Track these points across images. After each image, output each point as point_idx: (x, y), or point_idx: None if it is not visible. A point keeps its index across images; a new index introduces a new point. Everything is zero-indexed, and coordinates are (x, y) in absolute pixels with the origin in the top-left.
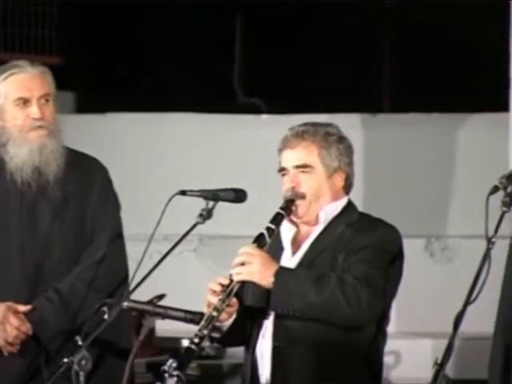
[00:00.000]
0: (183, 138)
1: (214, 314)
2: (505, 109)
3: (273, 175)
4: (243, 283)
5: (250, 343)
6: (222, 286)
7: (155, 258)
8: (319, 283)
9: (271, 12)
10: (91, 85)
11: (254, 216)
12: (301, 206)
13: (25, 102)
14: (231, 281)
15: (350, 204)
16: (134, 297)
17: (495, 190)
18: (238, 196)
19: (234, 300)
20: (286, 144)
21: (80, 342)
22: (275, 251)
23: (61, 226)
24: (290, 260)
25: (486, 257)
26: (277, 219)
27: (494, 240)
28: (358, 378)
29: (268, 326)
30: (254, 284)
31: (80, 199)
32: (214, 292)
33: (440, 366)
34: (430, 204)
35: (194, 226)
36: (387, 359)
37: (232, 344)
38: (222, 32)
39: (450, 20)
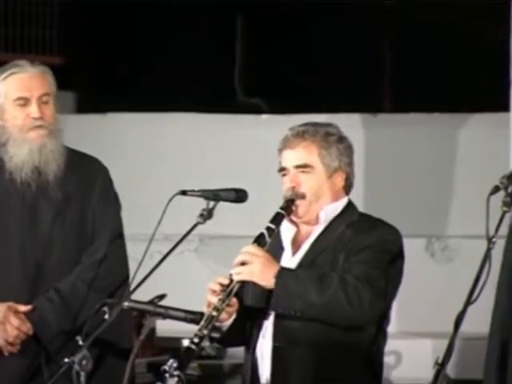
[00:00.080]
0: (184, 138)
1: (214, 313)
2: (505, 109)
3: (273, 175)
4: (243, 283)
5: (250, 343)
6: (222, 285)
7: (156, 258)
8: (321, 283)
9: (271, 12)
10: (92, 85)
11: (255, 216)
12: (301, 205)
13: (24, 101)
14: (231, 281)
15: (350, 204)
16: (134, 297)
17: (496, 190)
18: (239, 196)
19: (234, 300)
20: (286, 144)
21: (81, 342)
22: (275, 251)
23: (61, 226)
24: (290, 260)
25: (487, 257)
26: (277, 219)
27: (494, 240)
28: (359, 378)
29: (268, 326)
30: (254, 284)
31: (81, 199)
32: (214, 292)
33: (441, 366)
34: (431, 204)
35: (195, 225)
36: (388, 359)
37: (232, 344)
38: (222, 32)
39: (450, 20)
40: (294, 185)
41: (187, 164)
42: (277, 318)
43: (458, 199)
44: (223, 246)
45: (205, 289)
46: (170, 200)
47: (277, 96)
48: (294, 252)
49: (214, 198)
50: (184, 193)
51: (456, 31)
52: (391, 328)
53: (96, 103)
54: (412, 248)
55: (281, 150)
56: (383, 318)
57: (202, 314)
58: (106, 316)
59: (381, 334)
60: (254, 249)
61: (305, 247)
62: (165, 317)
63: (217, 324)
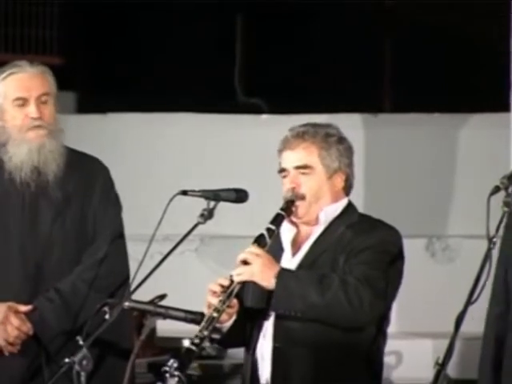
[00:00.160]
0: (184, 138)
1: (215, 315)
2: (505, 109)
3: (273, 175)
4: (243, 284)
5: (250, 344)
6: (223, 286)
7: (156, 258)
8: (321, 284)
9: (271, 12)
10: (92, 85)
11: (255, 216)
12: (301, 206)
13: (23, 101)
14: (231, 282)
15: (350, 205)
16: (135, 297)
17: (496, 190)
18: (240, 196)
19: (235, 301)
20: (286, 145)
21: (81, 342)
22: (275, 252)
23: (62, 226)
24: (290, 261)
25: (487, 257)
26: (277, 220)
27: (495, 240)
28: (359, 379)
29: (268, 326)
30: (254, 284)
31: (81, 199)
32: (215, 293)
33: (441, 366)
34: (431, 204)
35: (195, 226)
36: (388, 359)
37: (232, 345)
38: (222, 32)
39: (450, 20)
40: (293, 186)
41: (187, 164)
42: (277, 318)
43: (459, 199)
44: (224, 246)
45: (205, 289)
46: (171, 200)
47: (277, 96)
48: (294, 253)
49: (215, 198)
50: (184, 193)
51: (456, 31)
52: (391, 328)
53: (96, 103)
54: (412, 248)
55: (280, 151)
56: (383, 319)
57: (202, 314)
58: (107, 316)
59: (381, 335)
60: (254, 249)
61: (305, 248)
62: (165, 317)
63: (217, 325)
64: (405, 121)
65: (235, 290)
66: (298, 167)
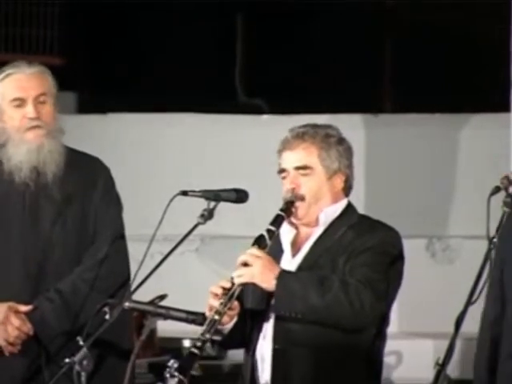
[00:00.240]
0: (184, 139)
1: (216, 317)
2: (506, 109)
3: (274, 175)
4: (244, 286)
5: (249, 345)
6: (224, 289)
7: (157, 258)
8: (322, 286)
9: (271, 12)
10: (92, 85)
11: (256, 216)
12: (300, 207)
13: (21, 102)
14: (233, 284)
15: (349, 206)
16: (135, 297)
17: (497, 190)
18: (240, 196)
19: (236, 303)
20: (285, 145)
21: (81, 343)
22: (275, 253)
23: (62, 225)
24: (289, 262)
25: (488, 257)
26: (277, 221)
27: (495, 240)
28: (358, 379)
29: (268, 328)
30: (254, 286)
31: (82, 199)
32: (216, 295)
33: (441, 367)
34: (432, 204)
35: (196, 226)
36: (388, 359)
37: (233, 346)
38: (222, 32)
39: (451, 20)
40: (293, 186)
41: (187, 164)
42: (277, 320)
43: (459, 200)
44: (224, 246)
45: (205, 289)
46: (171, 200)
47: (277, 96)
48: (294, 254)
49: (215, 198)
50: (185, 193)
51: (457, 31)
52: (392, 328)
53: (96, 103)
54: (413, 248)
55: (280, 152)
56: (383, 320)
57: (202, 315)
58: (107, 316)
59: (380, 336)
60: (255, 251)
61: (305, 249)
62: (166, 317)
63: (218, 327)
64: (405, 121)
65: (236, 293)
66: (297, 168)
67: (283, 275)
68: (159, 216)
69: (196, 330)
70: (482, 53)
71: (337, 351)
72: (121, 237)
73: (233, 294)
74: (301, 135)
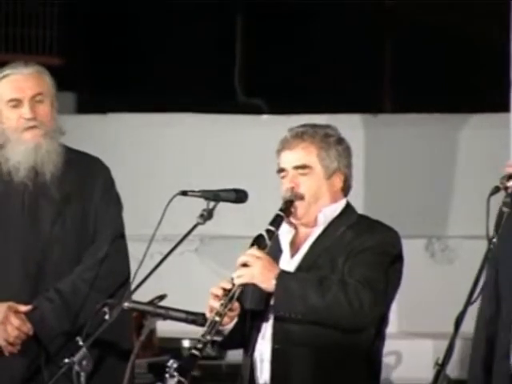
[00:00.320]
0: (184, 139)
1: (217, 319)
2: (505, 109)
3: (273, 175)
4: (244, 286)
5: (248, 345)
6: (225, 290)
7: (156, 258)
8: (321, 286)
9: (271, 12)
10: (92, 85)
11: (255, 216)
12: (300, 207)
13: (17, 102)
14: (233, 285)
15: (348, 206)
16: (135, 297)
17: (496, 190)
18: (239, 196)
19: (236, 304)
20: (284, 145)
21: (81, 343)
22: (274, 254)
23: (62, 225)
24: (288, 262)
25: (487, 257)
26: (276, 221)
27: (494, 240)
28: (358, 379)
29: (267, 328)
30: (254, 286)
31: (81, 198)
32: (217, 297)
33: (441, 367)
34: (431, 204)
35: (195, 226)
36: (388, 359)
37: (232, 347)
38: (222, 32)
39: (450, 20)
40: (292, 185)
41: (187, 164)
42: (276, 320)
43: (458, 200)
44: (223, 246)
45: (205, 289)
46: (170, 200)
47: (277, 96)
48: (293, 254)
49: (214, 198)
50: (184, 193)
51: (456, 31)
52: (392, 328)
53: (96, 103)
54: (412, 248)
55: (279, 151)
56: (382, 320)
57: (202, 315)
58: (107, 316)
59: (379, 335)
60: (254, 251)
61: (303, 249)
62: (165, 317)
63: (219, 327)
64: (405, 121)
65: (236, 293)
66: (296, 167)
67: (282, 276)
68: (159, 216)
69: (195, 330)
70: (482, 53)
71: (336, 351)
72: (121, 236)
73: (233, 295)
74: (300, 135)
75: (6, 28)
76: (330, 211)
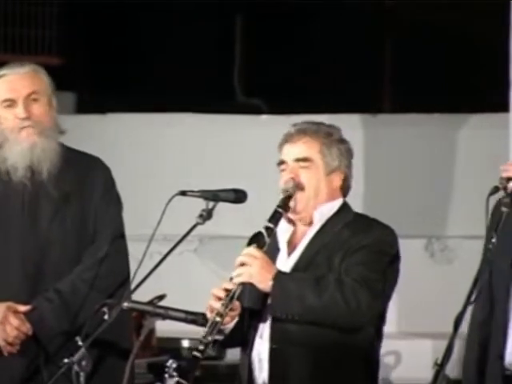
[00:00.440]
0: (183, 139)
1: (218, 319)
2: (505, 109)
3: (273, 175)
4: (243, 286)
5: (246, 344)
6: (226, 290)
7: (155, 258)
8: (318, 286)
9: (271, 12)
10: (91, 85)
11: (254, 216)
12: (300, 199)
13: (11, 102)
14: (233, 284)
15: (345, 205)
16: (134, 297)
17: (495, 190)
18: (238, 196)
19: (237, 303)
20: (287, 138)
21: (80, 343)
22: (272, 252)
23: (61, 223)
24: (285, 261)
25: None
26: (275, 217)
27: (494, 241)
28: (356, 379)
29: (265, 327)
30: (251, 286)
31: (81, 198)
32: (219, 298)
33: (440, 367)
34: (431, 204)
35: (194, 226)
36: (387, 359)
37: (233, 345)
38: (222, 32)
39: (451, 20)
40: (292, 176)
41: (187, 164)
42: (274, 319)
43: (458, 200)
44: (222, 246)
45: (205, 289)
46: (170, 200)
47: (276, 96)
48: (290, 253)
49: (214, 198)
50: (183, 193)
51: (456, 31)
52: (391, 328)
53: (96, 103)
54: (411, 248)
55: (281, 145)
56: (379, 319)
57: (202, 315)
58: (106, 316)
59: (377, 334)
60: (253, 251)
61: (300, 248)
62: (164, 317)
63: (220, 327)
64: (404, 121)
65: (237, 293)
66: (297, 159)
67: (279, 276)
68: (158, 216)
69: (195, 330)
70: (482, 53)
71: (334, 351)
72: (121, 236)
73: (233, 294)
74: (303, 130)
75: (5, 28)
76: (326, 209)
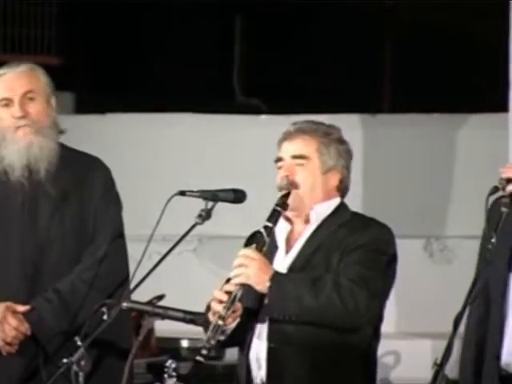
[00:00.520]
0: (183, 139)
1: (220, 323)
2: (505, 109)
3: (272, 176)
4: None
5: (244, 344)
6: (228, 293)
7: (155, 258)
8: (315, 287)
9: (271, 12)
10: (91, 85)
11: (254, 216)
12: (295, 197)
13: (7, 102)
14: (234, 285)
15: (342, 204)
16: (133, 297)
17: (495, 190)
18: (237, 196)
19: (239, 305)
20: (286, 136)
21: (79, 343)
22: (270, 250)
23: (60, 222)
24: (283, 259)
25: (486, 257)
26: (274, 216)
27: (493, 241)
28: (354, 379)
29: (263, 327)
30: (249, 287)
31: (79, 197)
32: (221, 302)
33: (439, 367)
34: (430, 204)
35: (194, 226)
36: (387, 359)
37: (233, 345)
38: (221, 32)
39: (451, 20)
40: (287, 174)
41: (187, 164)
42: (271, 320)
43: (457, 200)
44: (222, 246)
45: (204, 289)
46: (169, 200)
47: (276, 96)
48: (287, 251)
49: (213, 198)
50: (182, 193)
51: (456, 31)
52: (390, 328)
53: (95, 104)
54: (411, 248)
55: (280, 142)
56: (377, 318)
57: (201, 315)
58: (105, 316)
59: (374, 334)
60: (249, 252)
61: (297, 246)
62: (164, 317)
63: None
64: (404, 121)
65: (238, 295)
66: (294, 156)
67: (276, 277)
68: (157, 216)
69: (194, 330)
70: (481, 53)
71: (332, 351)
72: (120, 236)
73: (235, 297)
74: (302, 128)
75: (4, 28)
76: (322, 209)
